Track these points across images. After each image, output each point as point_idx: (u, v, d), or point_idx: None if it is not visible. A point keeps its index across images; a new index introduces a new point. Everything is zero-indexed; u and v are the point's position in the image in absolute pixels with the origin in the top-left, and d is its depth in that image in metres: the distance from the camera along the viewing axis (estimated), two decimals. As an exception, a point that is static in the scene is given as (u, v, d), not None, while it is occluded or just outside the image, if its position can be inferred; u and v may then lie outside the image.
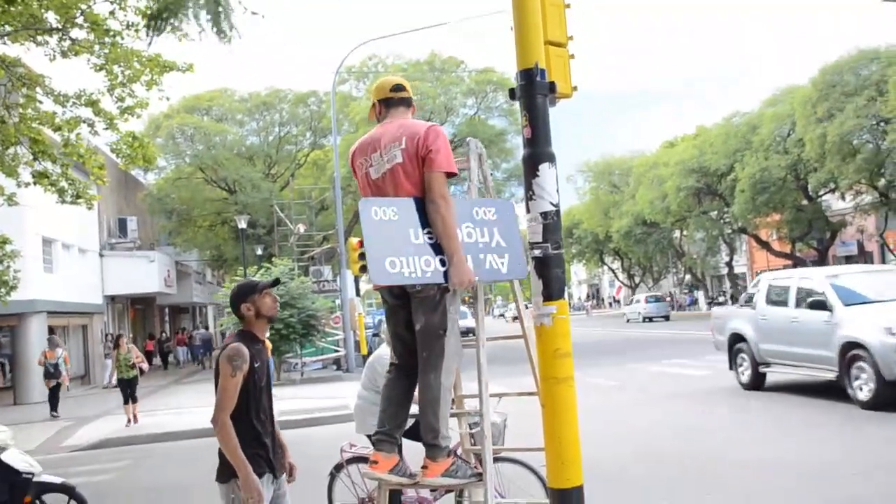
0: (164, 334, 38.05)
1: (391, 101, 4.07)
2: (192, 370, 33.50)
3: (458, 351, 3.94)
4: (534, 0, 3.86)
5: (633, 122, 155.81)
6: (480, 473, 3.84)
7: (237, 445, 3.61)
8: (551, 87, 3.81)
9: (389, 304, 4.00)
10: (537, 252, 3.74)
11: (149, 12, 7.61)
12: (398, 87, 4.09)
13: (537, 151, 3.76)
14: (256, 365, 3.76)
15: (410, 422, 4.18)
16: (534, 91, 3.75)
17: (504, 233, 3.93)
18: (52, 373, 18.37)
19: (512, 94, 3.89)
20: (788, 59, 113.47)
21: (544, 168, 3.74)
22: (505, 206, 4.07)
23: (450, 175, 3.78)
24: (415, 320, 3.82)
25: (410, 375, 3.94)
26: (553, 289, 3.73)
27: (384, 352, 5.41)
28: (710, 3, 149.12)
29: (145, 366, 11.33)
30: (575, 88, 4.07)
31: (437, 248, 3.66)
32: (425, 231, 3.68)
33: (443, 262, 3.64)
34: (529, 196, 3.76)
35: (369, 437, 5.23)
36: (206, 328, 44.71)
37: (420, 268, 3.60)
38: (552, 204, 3.74)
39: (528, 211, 3.77)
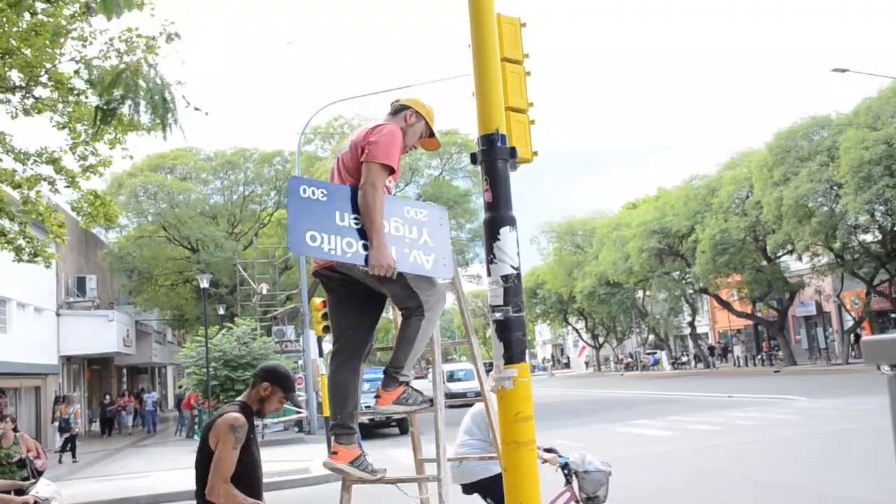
0: (108, 397, 33.05)
1: (389, 113, 4.31)
2: (140, 437, 30.46)
3: (439, 299, 4.02)
4: (495, 67, 3.94)
5: (592, 182, 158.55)
6: (431, 399, 3.96)
7: (245, 497, 3.56)
8: (512, 152, 3.88)
9: (335, 291, 4.07)
10: (498, 315, 3.74)
11: (97, 105, 7.70)
12: (392, 103, 4.32)
13: (498, 215, 3.80)
14: (251, 436, 3.77)
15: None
16: (495, 156, 3.82)
17: (433, 234, 4.03)
18: (63, 427, 21.98)
19: (473, 158, 3.95)
20: (743, 122, 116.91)
21: (505, 232, 3.78)
22: (437, 210, 4.18)
23: (390, 170, 3.86)
24: (383, 291, 3.97)
25: (355, 357, 4.01)
26: (514, 352, 3.72)
27: (480, 408, 5.36)
28: (665, 69, 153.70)
29: (41, 462, 8.62)
30: (535, 153, 4.14)
31: (363, 234, 3.73)
32: (353, 216, 3.76)
33: (365, 247, 3.71)
34: (490, 259, 3.78)
35: (465, 486, 5.43)
36: (159, 390, 43.46)
37: (341, 247, 3.68)
38: (513, 267, 3.76)
39: (489, 274, 3.79)
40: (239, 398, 3.95)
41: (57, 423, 22.55)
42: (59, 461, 20.85)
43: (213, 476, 3.57)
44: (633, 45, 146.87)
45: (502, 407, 3.72)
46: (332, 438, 3.97)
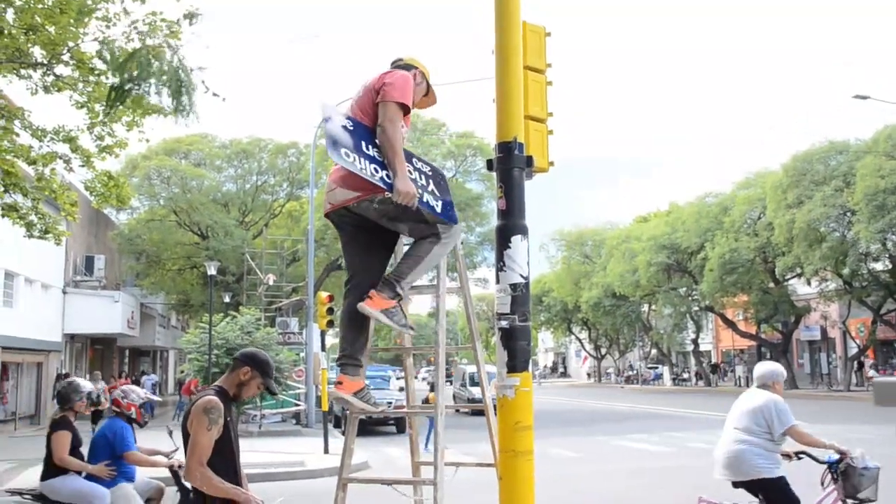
0: (101, 379, 32.82)
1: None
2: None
3: (453, 235, 4.14)
4: (517, 75, 3.94)
5: (605, 191, 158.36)
6: (411, 327, 4.10)
7: (221, 480, 3.56)
8: (528, 161, 3.88)
9: (349, 232, 4.22)
10: (504, 323, 3.74)
11: (112, 84, 7.64)
12: (394, 61, 4.41)
13: (511, 223, 3.80)
14: (228, 420, 3.75)
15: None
16: (511, 164, 3.82)
17: (438, 185, 4.28)
18: (94, 402, 21.57)
19: (490, 165, 3.95)
20: (761, 143, 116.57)
21: (516, 240, 3.78)
22: (438, 170, 4.46)
23: (405, 110, 4.01)
24: (399, 230, 4.15)
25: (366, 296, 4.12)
26: (518, 361, 3.73)
27: (766, 400, 5.39)
28: (685, 83, 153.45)
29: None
30: (552, 163, 4.14)
31: (384, 166, 3.90)
32: (375, 149, 3.95)
33: (389, 177, 3.86)
34: (500, 267, 3.78)
35: (736, 484, 5.42)
36: (163, 373, 43.24)
37: (370, 170, 3.84)
38: (522, 276, 3.76)
39: (497, 282, 3.79)
40: (217, 382, 3.95)
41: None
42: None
43: (189, 459, 3.59)
44: (652, 56, 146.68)
45: (502, 415, 3.72)
46: (340, 369, 4.09)
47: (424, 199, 4.03)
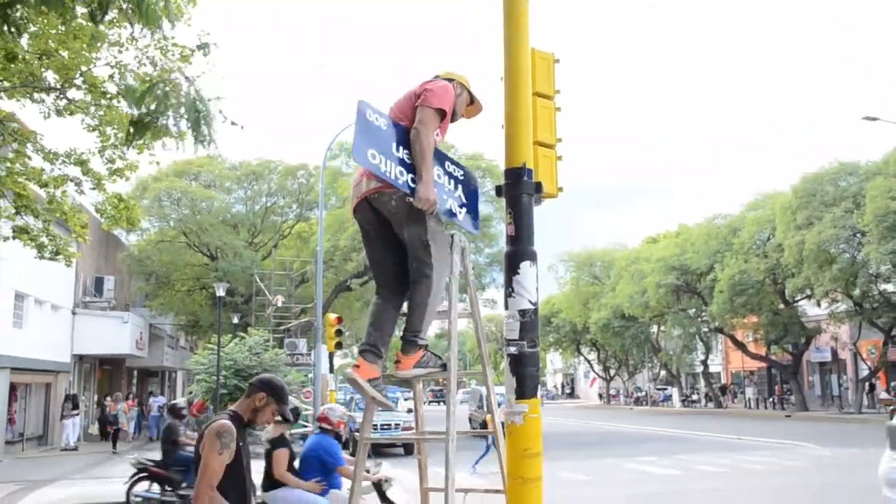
0: (108, 398, 30.63)
1: None
2: (143, 441, 29.17)
3: (448, 261, 4.18)
4: (526, 101, 3.97)
5: (614, 213, 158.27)
6: (445, 364, 4.10)
7: None
8: (537, 187, 3.90)
9: (366, 229, 4.33)
10: (513, 349, 3.74)
11: (131, 118, 7.72)
12: (434, 77, 4.43)
13: (519, 249, 3.81)
14: (241, 444, 3.76)
15: None
16: (520, 190, 3.83)
17: (466, 192, 4.34)
18: (111, 421, 26.23)
19: (498, 191, 3.97)
20: (771, 164, 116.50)
21: (525, 266, 3.78)
22: (473, 176, 4.52)
23: (442, 115, 4.10)
24: (401, 235, 4.14)
25: (396, 295, 4.28)
26: (527, 387, 3.72)
27: None
28: (695, 105, 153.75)
29: None
30: (561, 189, 4.15)
31: (412, 170, 3.98)
32: (406, 151, 4.02)
33: (413, 181, 3.95)
34: (509, 293, 3.79)
35: None
36: (171, 395, 43.11)
37: (395, 172, 3.92)
38: (531, 302, 3.76)
39: (506, 307, 3.79)
40: (231, 407, 3.95)
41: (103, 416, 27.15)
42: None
43: (199, 482, 3.59)
44: (663, 78, 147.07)
45: (511, 442, 3.70)
46: (360, 354, 4.21)
47: (447, 206, 4.14)
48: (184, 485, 10.22)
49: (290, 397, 4.05)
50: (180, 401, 12.12)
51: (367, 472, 6.87)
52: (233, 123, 8.50)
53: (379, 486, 6.98)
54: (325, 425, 7.23)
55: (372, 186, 4.10)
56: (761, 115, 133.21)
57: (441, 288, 4.16)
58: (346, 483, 7.03)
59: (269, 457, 7.09)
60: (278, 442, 7.05)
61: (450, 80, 4.38)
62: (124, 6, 5.89)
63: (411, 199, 3.94)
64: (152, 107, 5.89)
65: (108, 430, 26.17)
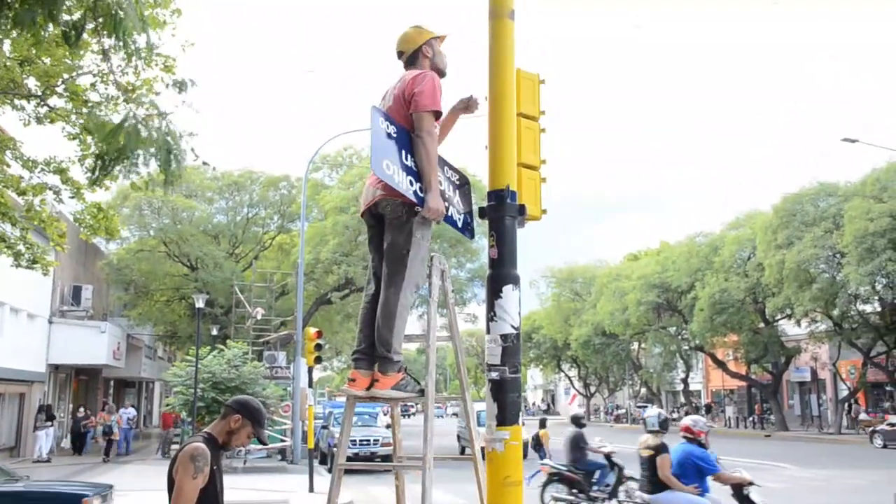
0: (82, 409, 29.89)
1: (404, 65, 4.43)
2: (113, 454, 26.96)
3: (421, 274, 4.19)
4: (510, 123, 3.92)
5: (596, 227, 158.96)
6: (423, 390, 4.08)
7: None
8: (521, 209, 3.84)
9: (370, 228, 4.39)
10: (494, 375, 3.67)
11: (98, 152, 7.62)
12: (399, 54, 4.46)
13: (502, 273, 3.75)
14: (215, 468, 3.67)
15: None
16: (503, 212, 3.78)
17: (463, 196, 4.45)
18: (106, 431, 26.79)
19: (482, 212, 3.92)
20: (751, 182, 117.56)
21: (508, 290, 3.72)
22: (465, 178, 4.59)
23: (436, 114, 4.12)
24: (384, 240, 4.19)
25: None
26: (508, 413, 3.65)
27: None
28: (678, 123, 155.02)
29: None
30: (544, 211, 4.10)
31: (417, 176, 4.04)
32: (412, 159, 4.06)
33: (421, 190, 4.01)
34: (491, 317, 3.73)
35: None
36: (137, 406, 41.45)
37: (405, 183, 3.97)
38: (513, 327, 3.70)
39: (488, 332, 3.72)
40: (206, 429, 3.87)
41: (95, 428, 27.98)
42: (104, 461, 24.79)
43: None
44: (646, 97, 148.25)
45: (491, 469, 3.63)
46: (353, 364, 4.23)
47: (449, 213, 4.21)
48: (594, 489, 11.47)
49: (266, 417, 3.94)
50: (579, 411, 14.12)
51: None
52: (204, 163, 8.45)
53: (738, 489, 7.82)
54: (688, 434, 7.82)
55: (378, 194, 4.15)
56: (745, 132, 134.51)
57: (410, 301, 4.16)
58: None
59: (651, 462, 7.72)
60: (662, 448, 7.69)
61: (418, 50, 4.33)
62: (96, 23, 5.79)
63: (419, 210, 4.00)
64: (121, 143, 5.77)
65: (96, 442, 27.67)
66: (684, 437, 7.83)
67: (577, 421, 12.98)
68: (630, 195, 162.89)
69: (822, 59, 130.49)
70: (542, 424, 19.18)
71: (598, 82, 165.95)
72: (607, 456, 11.73)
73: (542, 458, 17.38)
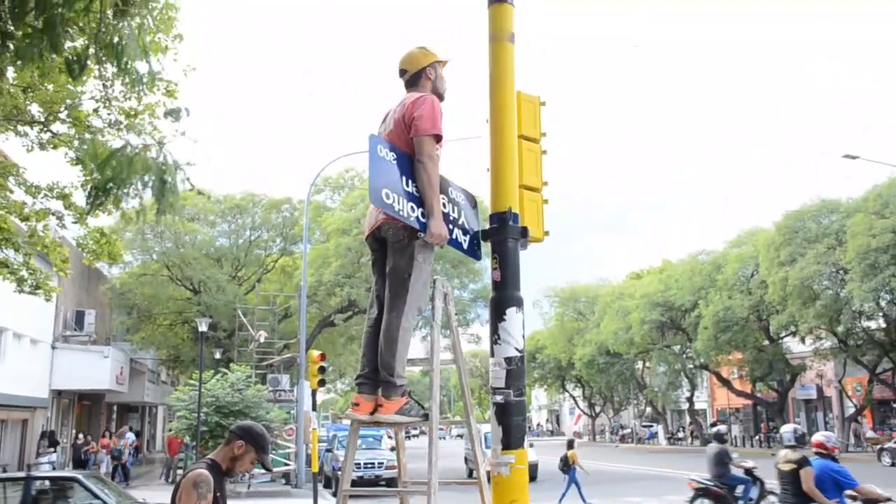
0: (82, 435, 29.06)
1: (406, 84, 4.42)
2: (117, 480, 26.47)
3: (424, 297, 4.16)
4: (511, 146, 3.93)
5: (595, 246, 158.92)
6: (426, 414, 4.04)
7: None
8: (523, 231, 3.84)
9: (373, 252, 4.38)
10: (499, 398, 3.65)
11: (91, 183, 7.65)
12: (401, 72, 4.45)
13: (505, 295, 3.74)
14: (218, 494, 3.64)
15: None
16: (506, 235, 3.78)
17: (468, 216, 4.38)
18: (115, 456, 27.03)
19: (484, 235, 3.91)
20: (752, 199, 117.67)
21: (511, 312, 3.71)
22: (471, 196, 4.52)
23: (437, 138, 4.10)
24: (386, 263, 4.17)
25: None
26: (513, 437, 3.62)
27: None
28: (679, 123, 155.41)
29: None
30: (547, 233, 4.10)
31: (419, 202, 4.03)
32: (413, 184, 4.04)
33: (423, 215, 3.99)
34: (495, 340, 3.71)
35: None
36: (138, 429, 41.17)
37: (407, 210, 3.96)
38: (517, 350, 3.68)
39: (492, 354, 3.71)
40: (210, 455, 3.84)
41: (110, 453, 27.49)
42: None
43: None
44: (646, 115, 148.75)
45: (497, 494, 3.60)
46: (357, 389, 4.22)
47: (454, 236, 4.18)
48: (738, 503, 12.09)
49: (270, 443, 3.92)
50: (721, 427, 15.17)
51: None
52: (199, 192, 8.48)
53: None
54: (822, 450, 7.97)
55: (380, 218, 4.15)
56: (746, 150, 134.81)
57: (413, 325, 4.16)
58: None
59: (793, 476, 7.82)
60: (804, 461, 7.77)
61: (420, 72, 4.33)
62: (98, 53, 5.81)
63: (422, 235, 3.99)
64: (115, 172, 5.77)
65: (97, 468, 26.17)
66: (817, 452, 7.99)
67: (719, 438, 13.57)
68: (630, 199, 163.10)
69: (822, 59, 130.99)
70: (570, 445, 19.01)
71: (597, 101, 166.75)
72: (748, 471, 12.41)
73: (571, 479, 17.40)
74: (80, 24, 6.06)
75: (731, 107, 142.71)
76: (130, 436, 31.27)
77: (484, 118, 4.13)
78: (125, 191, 6.05)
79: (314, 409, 18.80)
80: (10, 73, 11.13)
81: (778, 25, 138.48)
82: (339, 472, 4.16)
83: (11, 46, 5.33)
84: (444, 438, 65.81)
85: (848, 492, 7.83)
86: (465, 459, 27.98)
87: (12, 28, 5.22)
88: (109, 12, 5.25)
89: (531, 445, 29.43)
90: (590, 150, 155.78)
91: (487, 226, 4.07)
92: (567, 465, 18.26)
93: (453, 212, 4.28)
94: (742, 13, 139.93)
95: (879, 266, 28.25)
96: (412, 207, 3.98)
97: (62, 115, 11.85)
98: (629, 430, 60.03)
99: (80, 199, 12.73)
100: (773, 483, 9.32)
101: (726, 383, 43.83)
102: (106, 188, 6.10)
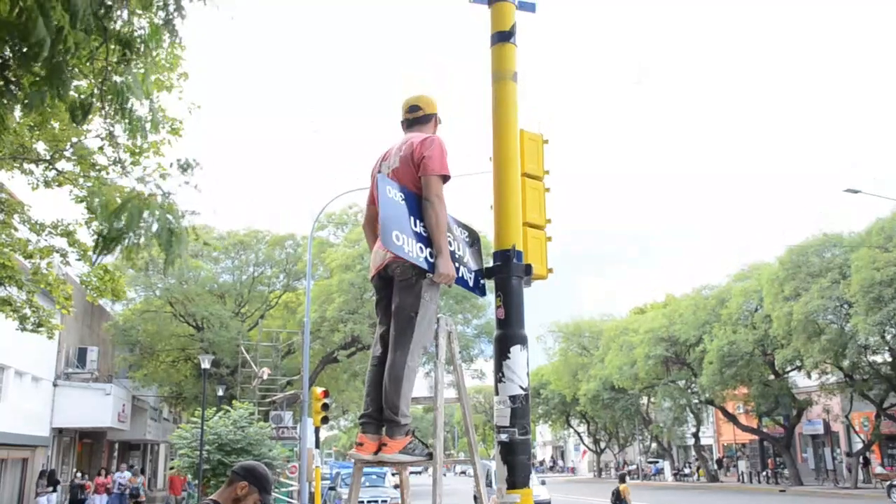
0: (79, 475, 28.45)
1: (410, 121, 4.45)
2: None
3: (429, 336, 4.15)
4: (515, 183, 3.95)
5: (600, 278, 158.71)
6: (431, 453, 4.03)
7: None
8: (527, 269, 3.84)
9: (378, 291, 4.37)
10: (504, 437, 3.63)
11: (99, 234, 7.70)
12: (413, 108, 4.46)
13: (509, 333, 3.74)
14: None
15: None
16: (509, 273, 3.78)
17: (472, 254, 4.40)
18: (133, 494, 27.65)
19: (488, 272, 3.92)
20: (754, 235, 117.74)
21: (515, 350, 3.70)
22: (474, 233, 4.53)
23: (445, 178, 4.12)
24: (392, 302, 4.17)
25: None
26: (518, 476, 3.59)
27: None
28: (681, 175, 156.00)
29: None
30: (551, 270, 4.10)
31: (427, 242, 4.05)
32: (421, 224, 4.06)
33: (431, 255, 4.01)
34: (499, 378, 3.70)
35: None
36: (138, 468, 40.83)
37: (416, 251, 3.97)
38: (522, 388, 3.67)
39: (496, 393, 3.69)
40: (212, 496, 3.79)
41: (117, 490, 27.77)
42: None
43: None
44: (648, 149, 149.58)
45: (503, 534, 3.55)
46: (361, 428, 4.20)
47: (460, 274, 4.19)
48: None
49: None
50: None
51: None
52: (206, 244, 8.55)
53: None
54: None
55: (388, 257, 4.16)
56: (749, 184, 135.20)
57: (418, 364, 4.15)
58: None
59: None
60: None
61: (431, 115, 4.43)
62: (108, 108, 5.89)
63: (431, 275, 4.01)
64: (123, 223, 5.81)
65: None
66: None
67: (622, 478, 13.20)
68: (632, 233, 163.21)
69: (825, 90, 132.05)
70: (623, 479, 18.74)
71: (600, 136, 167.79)
72: None
73: None
74: (85, 72, 6.15)
75: (734, 140, 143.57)
76: (126, 474, 30.69)
77: (487, 156, 4.16)
78: (135, 241, 6.07)
79: (317, 446, 18.66)
80: (17, 112, 11.27)
81: (784, 51, 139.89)
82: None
83: (18, 93, 5.40)
84: (445, 475, 65.12)
85: None
86: (475, 498, 27.68)
87: (19, 75, 5.29)
88: (114, 58, 5.32)
89: (543, 483, 28.95)
90: (596, 185, 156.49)
91: (491, 262, 4.07)
92: (619, 500, 17.89)
93: (459, 250, 4.32)
94: (748, 40, 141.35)
95: (884, 299, 28.15)
96: (420, 248, 4.00)
97: (67, 153, 11.93)
98: (634, 467, 59.38)
99: (84, 235, 12.78)
100: None
101: (732, 418, 43.45)
102: (113, 238, 6.13)
